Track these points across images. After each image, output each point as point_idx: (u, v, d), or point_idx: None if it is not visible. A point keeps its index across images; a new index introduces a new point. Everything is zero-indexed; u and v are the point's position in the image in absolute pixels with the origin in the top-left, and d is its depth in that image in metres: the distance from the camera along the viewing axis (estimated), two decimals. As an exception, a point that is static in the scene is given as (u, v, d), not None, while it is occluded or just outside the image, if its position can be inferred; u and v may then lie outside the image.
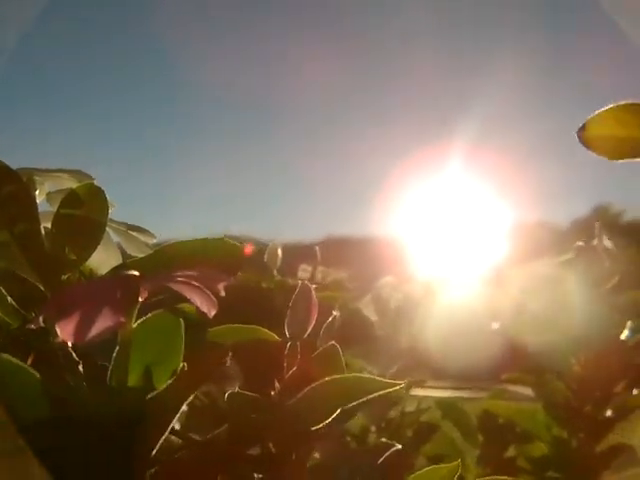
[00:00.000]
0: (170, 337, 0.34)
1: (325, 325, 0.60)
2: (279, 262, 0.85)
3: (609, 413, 0.98)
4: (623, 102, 0.29)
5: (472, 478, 0.99)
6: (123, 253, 0.55)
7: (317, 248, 0.98)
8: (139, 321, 0.33)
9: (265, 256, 0.85)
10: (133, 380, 0.34)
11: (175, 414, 0.33)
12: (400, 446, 0.58)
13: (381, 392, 0.37)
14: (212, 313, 0.31)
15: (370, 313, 1.02)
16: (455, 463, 0.48)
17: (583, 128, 0.30)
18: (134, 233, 0.56)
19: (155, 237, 0.57)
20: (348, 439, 1.00)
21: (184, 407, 0.34)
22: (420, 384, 1.08)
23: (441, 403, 1.05)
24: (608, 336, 0.95)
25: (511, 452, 1.04)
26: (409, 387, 1.05)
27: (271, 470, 0.39)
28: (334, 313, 0.62)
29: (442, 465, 0.48)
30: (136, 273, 0.32)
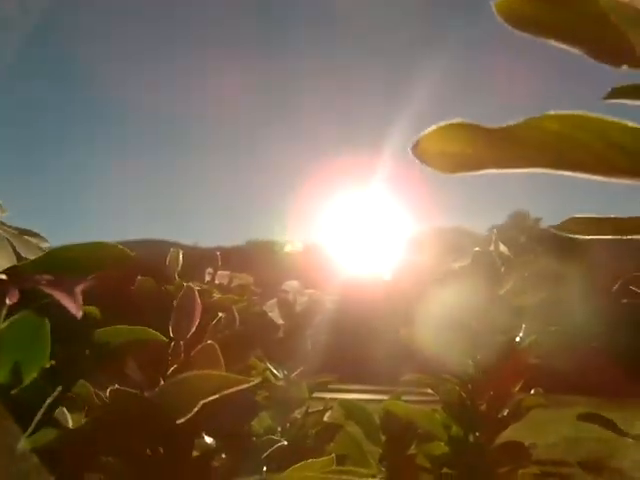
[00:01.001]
0: (35, 336, 0.36)
1: (210, 326, 0.62)
2: (179, 267, 0.87)
3: (505, 413, 1.03)
4: (452, 121, 0.32)
5: (374, 475, 1.02)
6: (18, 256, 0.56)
7: (218, 253, 1.00)
8: (6, 322, 0.35)
9: (167, 261, 0.87)
10: (1, 377, 0.35)
11: (40, 407, 0.34)
12: (285, 442, 0.60)
13: (235, 388, 0.39)
14: (79, 314, 0.32)
15: (276, 316, 1.04)
16: (328, 458, 0.50)
17: (416, 144, 0.32)
18: (27, 237, 0.57)
19: (47, 241, 0.59)
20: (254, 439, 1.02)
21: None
22: (324, 386, 1.11)
23: (344, 404, 1.08)
24: (503, 338, 0.99)
25: (412, 451, 1.07)
26: (313, 388, 1.07)
27: (139, 463, 0.41)
28: (219, 315, 0.64)
29: (317, 459, 0.50)
30: (3, 277, 0.33)
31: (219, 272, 1.05)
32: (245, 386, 0.40)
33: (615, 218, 0.39)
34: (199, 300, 0.54)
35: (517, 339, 1.00)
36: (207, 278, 1.03)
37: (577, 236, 0.41)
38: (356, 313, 1.31)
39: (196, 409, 0.39)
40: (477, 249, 0.98)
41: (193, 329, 0.56)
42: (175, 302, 0.56)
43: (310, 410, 1.09)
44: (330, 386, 1.18)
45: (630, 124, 0.32)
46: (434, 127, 0.32)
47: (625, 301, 0.66)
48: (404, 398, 1.13)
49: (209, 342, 0.51)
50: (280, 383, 1.04)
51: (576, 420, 0.77)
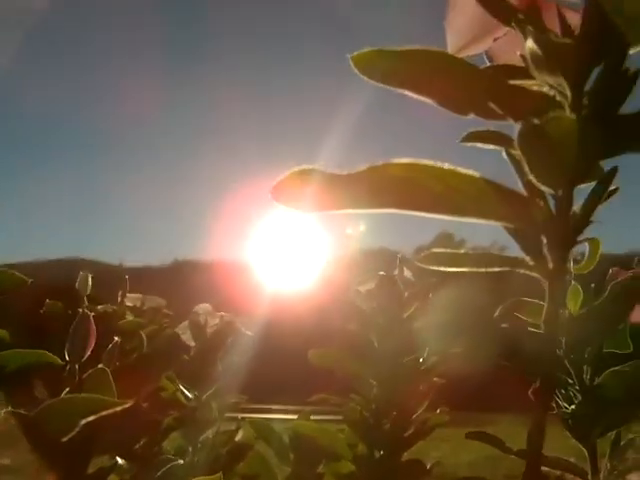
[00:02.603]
0: None
1: (107, 350, 0.64)
2: (89, 289, 0.89)
3: (410, 431, 1.06)
4: (306, 166, 0.35)
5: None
6: None
7: (127, 277, 1.02)
8: None
9: (77, 284, 0.88)
10: None
11: None
12: (181, 461, 0.62)
13: (110, 410, 0.41)
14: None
15: (188, 338, 1.07)
16: (216, 476, 0.53)
17: (274, 187, 0.35)
18: None
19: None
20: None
21: None
22: (235, 406, 1.13)
23: (254, 424, 1.10)
24: (406, 359, 1.03)
25: (321, 470, 1.10)
26: (224, 409, 1.09)
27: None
28: (115, 339, 0.66)
29: (206, 477, 0.53)
30: None
31: (133, 295, 1.06)
32: (120, 408, 0.42)
33: (469, 253, 0.43)
34: (94, 326, 0.56)
35: (420, 360, 1.04)
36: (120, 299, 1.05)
37: (437, 268, 0.44)
38: (275, 333, 1.33)
39: (77, 429, 0.42)
40: (381, 273, 1.02)
41: (88, 353, 0.58)
42: (71, 327, 0.59)
43: (222, 430, 1.11)
44: (246, 406, 1.20)
45: (463, 170, 0.35)
46: (290, 172, 0.35)
47: (504, 325, 0.70)
48: (318, 417, 1.16)
49: (100, 366, 0.53)
50: (191, 404, 1.06)
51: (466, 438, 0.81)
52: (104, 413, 0.42)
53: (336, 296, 1.17)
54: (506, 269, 0.41)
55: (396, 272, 1.03)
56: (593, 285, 0.74)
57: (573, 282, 0.72)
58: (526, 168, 0.35)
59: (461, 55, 0.43)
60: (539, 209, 0.37)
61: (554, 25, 0.40)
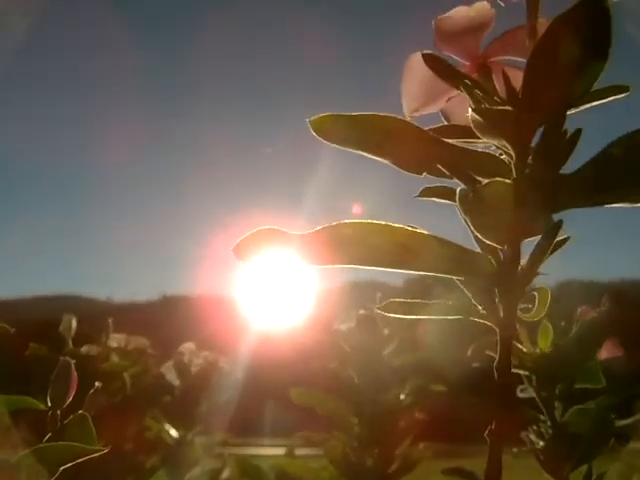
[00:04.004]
0: None
1: (88, 395, 0.66)
2: (73, 332, 0.90)
3: (393, 467, 1.08)
4: (265, 227, 0.37)
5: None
6: None
7: (110, 320, 1.03)
8: None
9: (60, 327, 0.90)
10: None
11: None
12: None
13: (87, 457, 0.43)
14: None
15: (173, 378, 1.08)
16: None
17: (236, 246, 0.38)
18: None
19: None
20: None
21: None
22: (220, 444, 1.14)
23: (239, 461, 1.12)
24: (387, 396, 1.04)
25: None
26: (208, 447, 1.11)
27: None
28: (96, 384, 0.68)
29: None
30: None
31: (117, 335, 1.08)
32: (96, 455, 0.44)
33: (427, 303, 0.45)
34: (75, 373, 0.58)
35: (401, 396, 1.05)
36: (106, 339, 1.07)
37: (395, 316, 0.46)
38: (261, 369, 1.35)
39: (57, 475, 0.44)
40: (361, 311, 1.04)
41: (69, 399, 0.60)
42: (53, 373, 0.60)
43: (207, 469, 1.12)
44: (235, 441, 1.22)
45: (412, 229, 0.38)
46: (250, 232, 0.37)
47: (476, 364, 0.72)
48: (305, 451, 1.18)
49: (80, 412, 0.55)
50: (175, 443, 1.07)
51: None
52: (82, 460, 0.44)
53: (320, 334, 1.19)
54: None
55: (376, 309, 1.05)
56: (563, 323, 0.76)
57: (544, 321, 0.75)
58: (471, 227, 0.37)
59: (416, 115, 0.45)
60: (488, 263, 0.40)
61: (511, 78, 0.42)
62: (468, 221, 0.37)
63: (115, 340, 1.07)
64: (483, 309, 0.42)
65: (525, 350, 0.73)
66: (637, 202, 0.37)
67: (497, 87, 0.43)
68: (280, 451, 1.18)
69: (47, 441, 0.60)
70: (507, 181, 0.35)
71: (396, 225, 0.37)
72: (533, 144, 0.40)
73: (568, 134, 0.39)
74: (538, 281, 0.43)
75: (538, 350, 0.73)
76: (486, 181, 0.39)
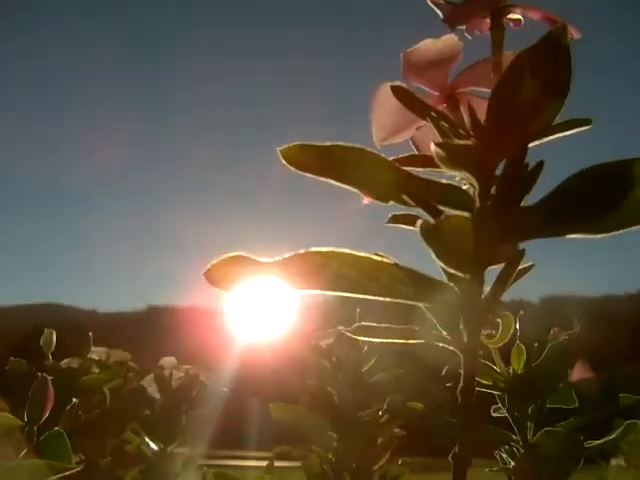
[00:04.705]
0: None
1: (65, 411, 0.67)
2: (54, 346, 0.91)
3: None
4: (235, 254, 0.39)
5: None
6: None
7: (90, 334, 1.04)
8: None
9: (41, 341, 0.91)
10: None
11: None
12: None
13: (59, 475, 0.44)
14: None
15: (154, 391, 1.09)
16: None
17: (207, 271, 0.39)
18: None
19: None
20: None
21: None
22: (201, 457, 1.15)
23: (218, 474, 1.12)
24: (366, 412, 1.05)
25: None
26: (188, 461, 1.11)
27: None
28: (74, 400, 0.69)
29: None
30: None
31: (99, 349, 1.09)
32: (68, 472, 0.45)
33: (393, 327, 0.46)
34: (52, 389, 0.59)
35: (380, 413, 1.06)
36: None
37: (365, 339, 0.48)
38: (244, 382, 1.36)
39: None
40: (340, 327, 1.04)
41: (45, 415, 0.61)
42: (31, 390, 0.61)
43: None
44: (216, 453, 1.22)
45: (377, 258, 0.39)
46: (220, 258, 0.39)
47: (449, 384, 0.73)
48: (286, 463, 1.18)
49: (56, 429, 0.56)
50: (155, 456, 1.08)
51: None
52: (55, 477, 0.45)
53: (299, 349, 1.20)
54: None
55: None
56: (536, 344, 0.77)
57: (518, 342, 0.76)
58: (433, 255, 0.38)
59: (385, 144, 0.47)
60: (451, 291, 0.41)
61: (478, 109, 0.43)
62: (431, 252, 0.38)
63: (96, 353, 1.07)
64: (447, 335, 0.43)
65: (498, 370, 0.75)
66: (594, 233, 0.38)
67: (465, 118, 0.45)
68: (263, 463, 1.18)
69: (23, 457, 0.61)
70: (466, 215, 0.37)
71: (361, 254, 0.39)
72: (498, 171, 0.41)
73: (530, 166, 0.40)
74: (523, 295, 0.44)
75: (511, 370, 0.75)
76: (450, 212, 0.41)
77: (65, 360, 0.98)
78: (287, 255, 0.38)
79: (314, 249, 0.38)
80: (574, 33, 0.42)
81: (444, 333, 0.43)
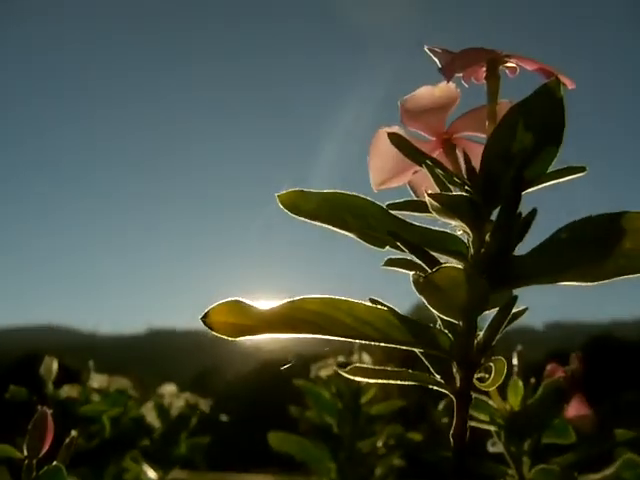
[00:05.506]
0: None
1: (64, 445, 0.67)
2: (54, 375, 0.91)
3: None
4: (232, 299, 0.39)
5: None
6: None
7: (91, 362, 1.04)
8: None
9: (41, 369, 0.91)
10: None
11: None
12: None
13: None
14: None
15: (152, 419, 1.09)
16: None
17: (205, 315, 0.39)
18: None
19: None
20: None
21: None
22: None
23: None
24: (365, 442, 1.06)
25: None
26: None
27: None
28: (72, 433, 0.69)
29: None
30: None
31: (99, 376, 1.09)
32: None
33: (387, 369, 0.47)
34: (51, 422, 0.59)
35: (378, 444, 1.07)
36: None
37: (359, 379, 0.48)
38: (244, 409, 1.37)
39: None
40: (339, 358, 1.05)
41: (45, 449, 0.61)
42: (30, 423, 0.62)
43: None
44: (215, 477, 1.22)
45: (371, 305, 0.40)
46: (218, 303, 0.39)
47: (444, 420, 0.74)
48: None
49: (55, 464, 0.56)
50: (153, 484, 1.08)
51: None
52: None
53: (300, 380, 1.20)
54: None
55: (355, 357, 1.07)
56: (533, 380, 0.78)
57: (515, 378, 0.76)
58: (426, 303, 0.39)
59: (383, 188, 0.47)
60: (444, 336, 0.42)
61: (474, 154, 0.44)
62: (423, 300, 0.38)
63: (97, 380, 1.08)
64: (441, 378, 0.43)
65: (495, 406, 0.75)
66: (584, 282, 0.39)
67: (461, 163, 0.45)
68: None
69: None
70: (458, 266, 0.37)
71: (355, 301, 0.39)
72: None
73: (523, 215, 0.41)
74: (527, 320, 0.45)
75: (508, 407, 0.75)
76: (443, 258, 0.42)
77: (65, 388, 0.98)
78: (284, 302, 0.39)
79: (309, 296, 0.39)
80: (568, 83, 0.42)
81: (437, 377, 0.44)
